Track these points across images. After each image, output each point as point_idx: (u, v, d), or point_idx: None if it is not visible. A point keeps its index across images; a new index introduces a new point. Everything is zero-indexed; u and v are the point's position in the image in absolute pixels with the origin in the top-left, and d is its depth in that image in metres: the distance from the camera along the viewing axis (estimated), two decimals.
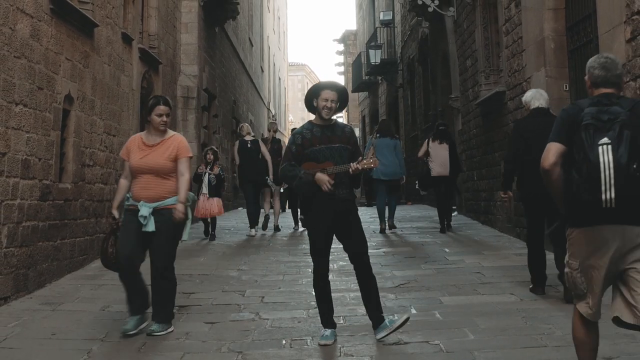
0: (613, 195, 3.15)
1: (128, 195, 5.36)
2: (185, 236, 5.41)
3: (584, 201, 3.23)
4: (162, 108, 5.30)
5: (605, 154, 3.18)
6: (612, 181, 3.15)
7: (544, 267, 6.19)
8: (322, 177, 4.79)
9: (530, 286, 6.24)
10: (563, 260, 3.71)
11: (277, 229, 11.88)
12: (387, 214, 11.45)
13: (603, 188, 3.16)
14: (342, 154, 4.96)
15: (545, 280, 6.19)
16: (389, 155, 10.76)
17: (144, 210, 5.14)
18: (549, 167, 3.43)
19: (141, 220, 5.13)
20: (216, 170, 10.81)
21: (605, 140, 3.22)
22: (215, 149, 11.42)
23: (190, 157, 5.41)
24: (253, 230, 11.37)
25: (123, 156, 5.45)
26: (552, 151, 3.44)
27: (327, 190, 4.77)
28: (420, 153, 11.33)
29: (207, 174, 10.74)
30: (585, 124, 3.29)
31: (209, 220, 10.97)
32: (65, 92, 7.73)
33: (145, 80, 11.39)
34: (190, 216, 5.40)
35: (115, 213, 5.39)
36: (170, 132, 5.47)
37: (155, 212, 5.17)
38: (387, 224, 11.31)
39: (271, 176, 11.11)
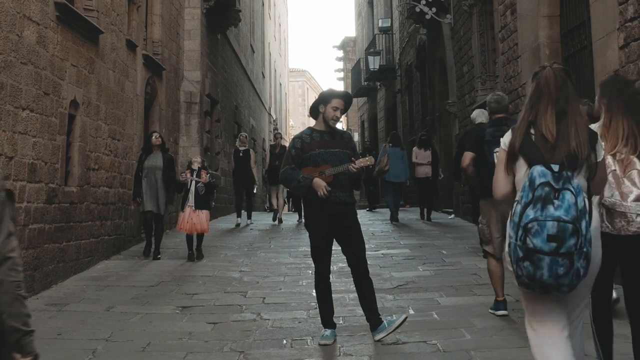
0: None
1: None
2: None
3: (486, 186, 4.70)
4: None
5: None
6: None
7: None
8: (320, 183, 4.78)
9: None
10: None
11: (280, 220, 13.59)
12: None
13: None
14: (342, 158, 4.95)
15: None
16: (398, 162, 12.69)
17: None
18: (465, 166, 5.64)
19: None
20: (205, 177, 8.99)
21: (497, 149, 4.70)
22: (203, 159, 9.76)
23: None
24: (238, 219, 13.35)
25: None
26: (467, 157, 5.64)
27: (323, 196, 4.76)
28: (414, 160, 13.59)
29: (193, 182, 8.92)
30: (487, 140, 5.34)
31: (194, 237, 9.05)
32: (71, 97, 7.75)
33: (149, 85, 11.41)
34: None
35: None
36: None
37: None
38: (396, 215, 13.35)
39: (256, 181, 13.51)
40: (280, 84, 38.89)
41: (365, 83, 27.07)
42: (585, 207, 2.75)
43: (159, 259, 8.98)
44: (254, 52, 25.03)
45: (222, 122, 17.36)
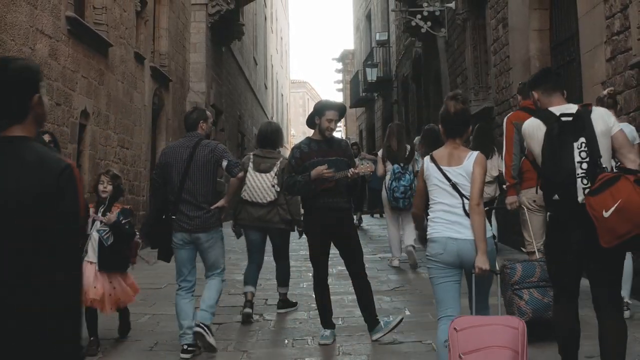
0: None
1: None
2: None
3: None
4: None
5: None
6: None
7: None
8: (318, 169, 4.71)
9: None
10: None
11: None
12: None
13: None
14: (339, 165, 4.93)
15: None
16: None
17: None
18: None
19: None
20: (113, 216, 4.94)
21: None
22: (117, 174, 5.34)
23: None
24: None
25: None
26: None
27: (328, 177, 4.69)
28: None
29: (95, 224, 4.93)
30: None
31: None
32: (82, 107, 7.78)
33: (156, 96, 11.44)
34: None
35: None
36: None
37: None
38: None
39: None
40: (282, 95, 38.97)
41: (364, 94, 27.12)
42: (413, 179, 7.44)
43: None
44: (256, 64, 25.10)
45: (227, 132, 17.40)
